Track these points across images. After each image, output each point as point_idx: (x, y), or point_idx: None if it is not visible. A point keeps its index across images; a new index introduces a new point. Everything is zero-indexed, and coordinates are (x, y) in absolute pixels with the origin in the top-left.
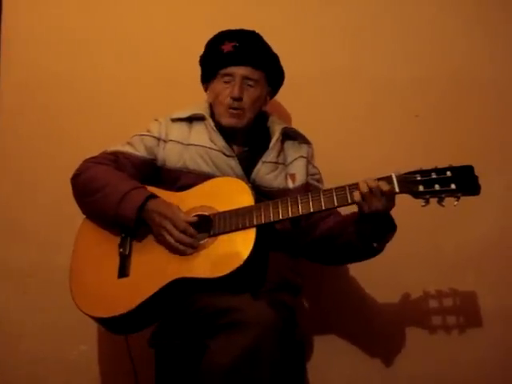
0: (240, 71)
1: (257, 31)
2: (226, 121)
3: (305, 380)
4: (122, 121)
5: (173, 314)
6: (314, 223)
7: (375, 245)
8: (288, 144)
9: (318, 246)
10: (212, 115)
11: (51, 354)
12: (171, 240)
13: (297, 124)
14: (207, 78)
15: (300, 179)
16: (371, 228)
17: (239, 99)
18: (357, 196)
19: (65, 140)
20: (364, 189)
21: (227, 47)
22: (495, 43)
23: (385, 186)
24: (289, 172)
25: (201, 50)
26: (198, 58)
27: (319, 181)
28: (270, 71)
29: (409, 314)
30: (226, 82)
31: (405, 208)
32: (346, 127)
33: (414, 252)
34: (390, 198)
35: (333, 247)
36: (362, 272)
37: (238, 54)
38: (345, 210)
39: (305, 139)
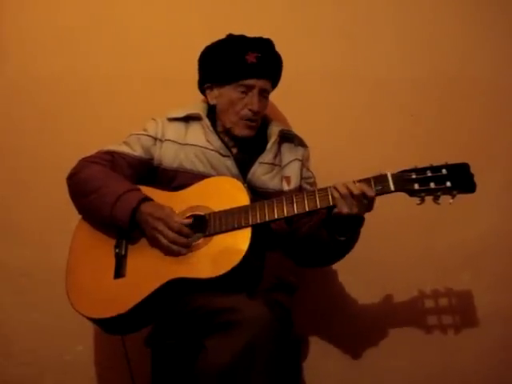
0: (260, 84)
1: (253, 34)
2: (242, 132)
3: (300, 379)
4: (118, 120)
5: (169, 314)
6: (297, 226)
7: (343, 238)
8: (285, 146)
9: (298, 248)
10: (209, 115)
11: (47, 354)
12: (165, 241)
13: (294, 125)
14: (218, 81)
15: (294, 182)
16: (338, 225)
17: (259, 113)
18: (336, 195)
19: (61, 139)
20: (343, 191)
21: (251, 58)
22: (491, 43)
23: (368, 190)
24: (284, 174)
25: (197, 50)
26: (199, 58)
27: (312, 185)
28: (276, 80)
29: (404, 314)
30: (242, 92)
31: (400, 207)
32: (342, 128)
33: (410, 251)
34: (371, 201)
35: (308, 247)
36: (357, 271)
37: (260, 67)
38: None
39: (301, 142)
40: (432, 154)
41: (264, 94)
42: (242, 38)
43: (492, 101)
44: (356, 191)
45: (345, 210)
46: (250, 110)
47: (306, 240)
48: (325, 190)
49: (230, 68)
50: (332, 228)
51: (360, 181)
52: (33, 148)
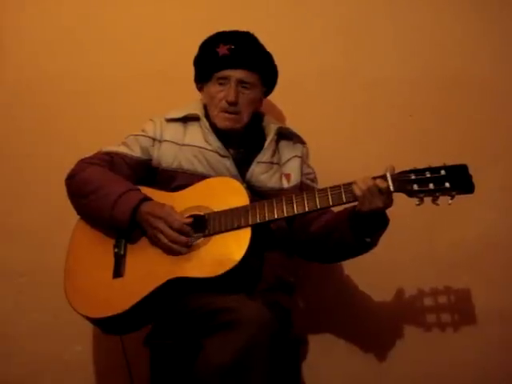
0: (235, 75)
1: (252, 31)
2: (222, 124)
3: (300, 380)
4: (116, 121)
5: (168, 313)
6: (307, 221)
7: (368, 240)
8: (283, 144)
9: (312, 244)
10: (207, 115)
11: (46, 354)
12: (165, 240)
13: (292, 124)
14: (202, 79)
15: (295, 179)
16: (365, 224)
17: (234, 104)
18: (358, 191)
19: (59, 139)
20: (363, 186)
21: (222, 50)
22: (491, 43)
23: (382, 184)
24: (284, 172)
25: (196, 49)
26: (193, 58)
27: (314, 180)
28: (265, 72)
29: (404, 313)
30: (220, 85)
31: (399, 207)
32: (341, 127)
33: (409, 251)
34: (389, 195)
35: (327, 244)
36: (356, 271)
37: (233, 58)
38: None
39: (299, 139)
40: (431, 153)
41: (243, 86)
42: (216, 33)
43: (492, 100)
44: (370, 183)
45: (366, 206)
46: (226, 101)
47: (321, 236)
48: (324, 190)
49: (205, 63)
50: (356, 226)
51: None
52: (33, 148)
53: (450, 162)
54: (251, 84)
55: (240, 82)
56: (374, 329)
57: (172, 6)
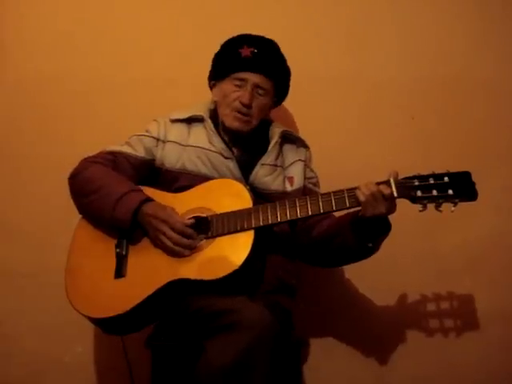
0: (253, 78)
1: (255, 34)
2: (231, 123)
3: (301, 382)
4: (116, 121)
5: (169, 315)
6: (310, 226)
7: (370, 245)
8: (287, 147)
9: (314, 248)
10: (211, 117)
11: (47, 355)
12: (169, 243)
13: (295, 125)
14: (217, 77)
15: (297, 182)
16: (367, 229)
17: (248, 106)
18: (362, 196)
19: (59, 140)
20: (367, 192)
21: (245, 52)
22: (494, 44)
23: (386, 190)
24: (287, 175)
25: (198, 50)
26: (197, 58)
27: (316, 184)
28: (280, 83)
29: (406, 317)
30: (236, 85)
31: (402, 211)
32: (344, 129)
33: (411, 255)
34: (392, 201)
35: (329, 248)
36: (358, 274)
37: (254, 61)
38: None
39: (303, 143)
40: (434, 155)
41: (259, 91)
42: (243, 34)
43: (495, 101)
44: (374, 188)
45: (369, 211)
46: (240, 102)
47: (323, 240)
48: (328, 194)
49: (226, 61)
50: (359, 231)
51: None
52: (32, 148)
53: (452, 164)
54: (266, 90)
55: (256, 87)
56: (376, 331)
57: (171, 8)
